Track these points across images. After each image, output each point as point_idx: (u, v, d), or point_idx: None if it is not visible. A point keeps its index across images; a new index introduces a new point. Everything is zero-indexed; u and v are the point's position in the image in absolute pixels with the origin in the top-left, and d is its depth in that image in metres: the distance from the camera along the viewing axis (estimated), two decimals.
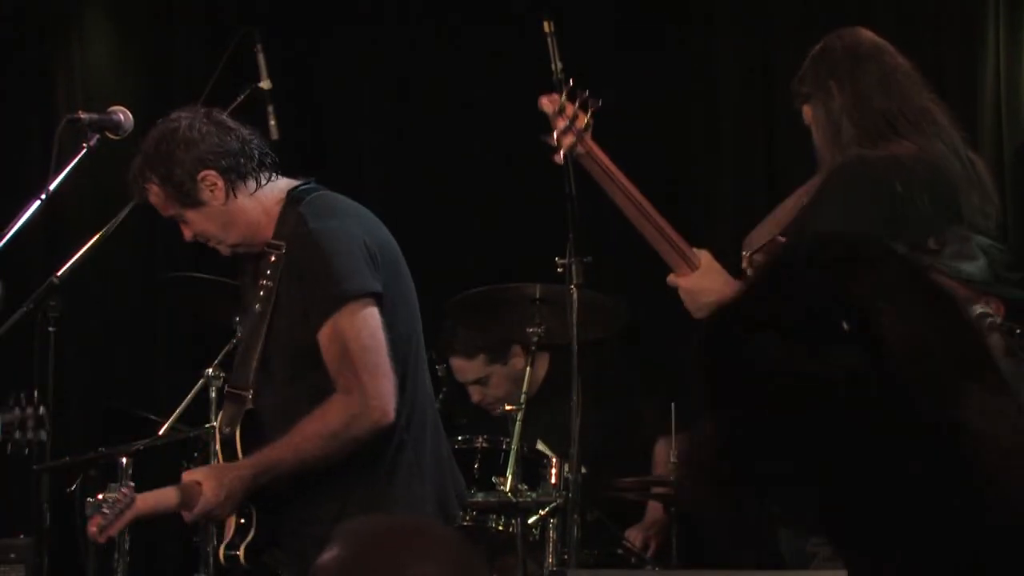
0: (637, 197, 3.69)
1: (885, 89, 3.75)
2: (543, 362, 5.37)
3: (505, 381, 5.40)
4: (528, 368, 4.83)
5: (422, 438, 3.86)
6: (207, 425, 4.75)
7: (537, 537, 4.58)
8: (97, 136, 3.95)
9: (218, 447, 3.93)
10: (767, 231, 3.82)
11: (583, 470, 4.45)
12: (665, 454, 5.25)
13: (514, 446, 4.54)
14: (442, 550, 1.92)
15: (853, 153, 3.72)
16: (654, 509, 5.38)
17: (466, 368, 5.41)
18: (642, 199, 3.70)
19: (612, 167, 3.71)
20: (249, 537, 3.86)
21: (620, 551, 5.20)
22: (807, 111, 3.86)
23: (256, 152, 3.86)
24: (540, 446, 4.70)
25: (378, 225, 3.90)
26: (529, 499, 4.53)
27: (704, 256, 3.68)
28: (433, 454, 3.88)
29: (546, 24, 4.05)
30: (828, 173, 3.76)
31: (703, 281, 3.63)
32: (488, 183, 6.26)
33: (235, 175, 3.81)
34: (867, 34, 3.90)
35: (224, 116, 3.91)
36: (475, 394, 5.45)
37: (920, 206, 3.60)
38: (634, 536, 5.38)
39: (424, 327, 5.44)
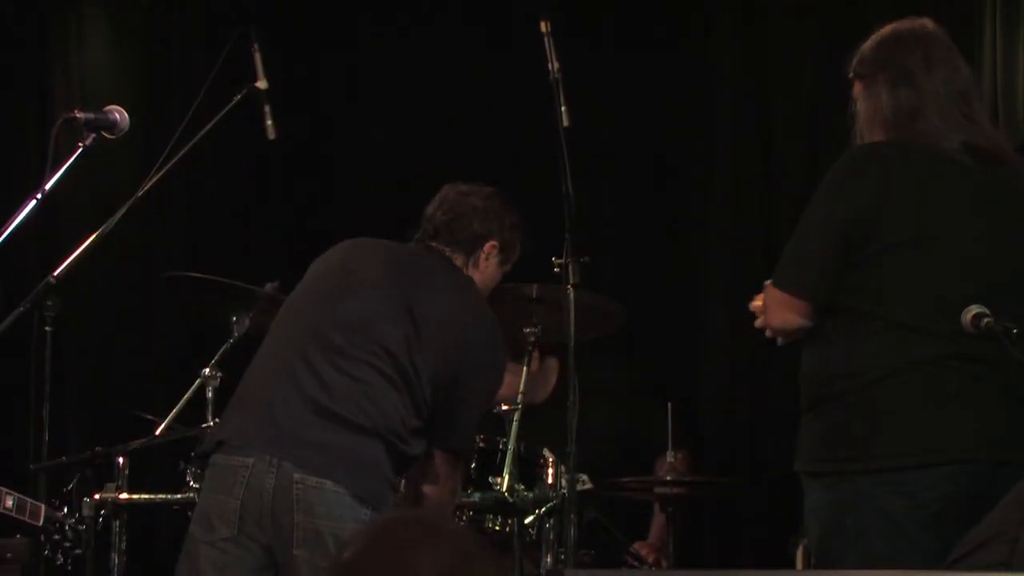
0: None
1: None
2: (555, 368, 5.40)
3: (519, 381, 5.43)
4: (524, 368, 4.83)
5: None
6: (203, 425, 4.76)
7: (534, 537, 4.58)
8: (93, 135, 3.93)
9: None
10: None
11: (587, 483, 4.47)
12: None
13: (510, 446, 4.54)
14: (449, 542, 1.95)
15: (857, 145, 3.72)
16: (660, 526, 5.38)
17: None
18: None
19: None
20: None
21: (632, 562, 5.22)
22: (857, 86, 3.82)
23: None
24: (546, 452, 4.67)
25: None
26: (526, 499, 4.53)
27: None
28: None
29: (543, 24, 4.05)
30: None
31: None
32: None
33: None
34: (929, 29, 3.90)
35: None
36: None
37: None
38: (646, 552, 5.39)
39: None
